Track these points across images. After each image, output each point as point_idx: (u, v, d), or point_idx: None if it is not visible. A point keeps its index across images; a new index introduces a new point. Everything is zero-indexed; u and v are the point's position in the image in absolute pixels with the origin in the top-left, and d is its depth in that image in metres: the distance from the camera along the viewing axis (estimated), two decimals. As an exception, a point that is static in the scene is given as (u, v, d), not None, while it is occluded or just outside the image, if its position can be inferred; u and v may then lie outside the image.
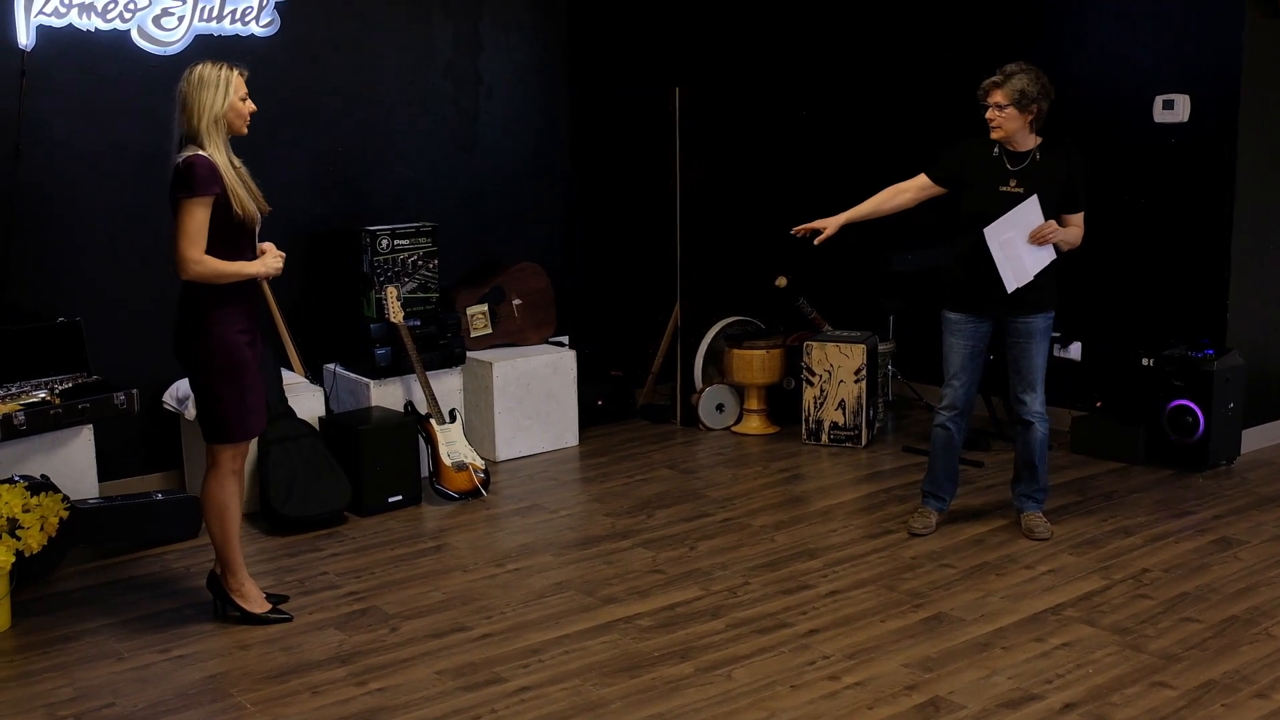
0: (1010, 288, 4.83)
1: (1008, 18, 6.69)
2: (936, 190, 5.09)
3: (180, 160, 4.02)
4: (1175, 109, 6.04)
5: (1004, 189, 4.84)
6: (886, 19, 7.28)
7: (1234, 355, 5.96)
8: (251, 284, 4.31)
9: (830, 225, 5.14)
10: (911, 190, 5.11)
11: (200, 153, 4.02)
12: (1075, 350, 6.60)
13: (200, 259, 4.00)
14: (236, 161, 4.18)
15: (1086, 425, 6.34)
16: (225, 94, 4.08)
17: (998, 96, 4.77)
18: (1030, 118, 4.80)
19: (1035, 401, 5.01)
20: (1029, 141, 4.88)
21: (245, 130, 4.22)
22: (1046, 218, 4.80)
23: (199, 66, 4.11)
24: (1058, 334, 6.58)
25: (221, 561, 4.34)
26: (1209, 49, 5.91)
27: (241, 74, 4.19)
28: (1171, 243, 6.15)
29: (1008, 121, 4.80)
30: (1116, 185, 6.27)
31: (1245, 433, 6.15)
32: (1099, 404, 6.46)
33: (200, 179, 3.97)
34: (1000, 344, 5.07)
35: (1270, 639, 4.08)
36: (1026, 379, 4.99)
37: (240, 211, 4.08)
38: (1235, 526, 5.17)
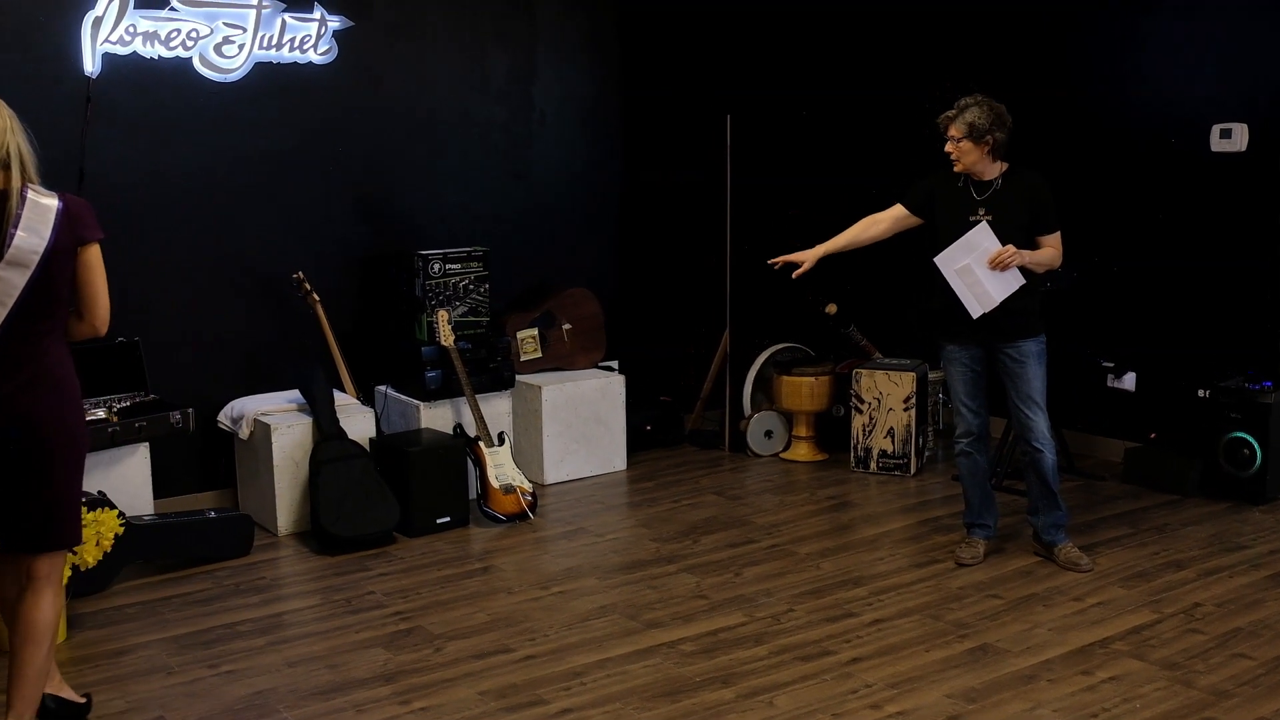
0: (975, 314, 4.83)
1: (1065, 48, 6.67)
2: (913, 220, 5.11)
3: (71, 195, 3.56)
4: (1233, 138, 5.99)
5: (972, 218, 4.86)
6: (947, 49, 7.28)
7: (1292, 388, 5.90)
8: None
9: (808, 258, 5.19)
10: (887, 220, 5.15)
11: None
12: (1130, 381, 6.56)
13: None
14: None
15: (1140, 457, 6.27)
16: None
17: (952, 130, 4.83)
18: (987, 148, 4.82)
19: (1040, 423, 4.96)
20: (992, 170, 4.89)
21: None
22: (1018, 242, 4.79)
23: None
24: (1111, 364, 6.58)
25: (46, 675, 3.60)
26: (1266, 78, 5.87)
27: None
28: (1228, 273, 6.10)
29: (965, 154, 4.84)
30: (1172, 214, 6.25)
31: (1304, 466, 6.07)
32: (1153, 435, 6.40)
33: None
34: (997, 373, 5.04)
35: (1323, 676, 4.03)
36: (1027, 402, 4.94)
37: None
38: (1291, 561, 5.13)
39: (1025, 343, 4.92)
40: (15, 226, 3.25)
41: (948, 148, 4.87)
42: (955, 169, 4.90)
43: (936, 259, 4.87)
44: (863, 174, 7.33)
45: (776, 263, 5.28)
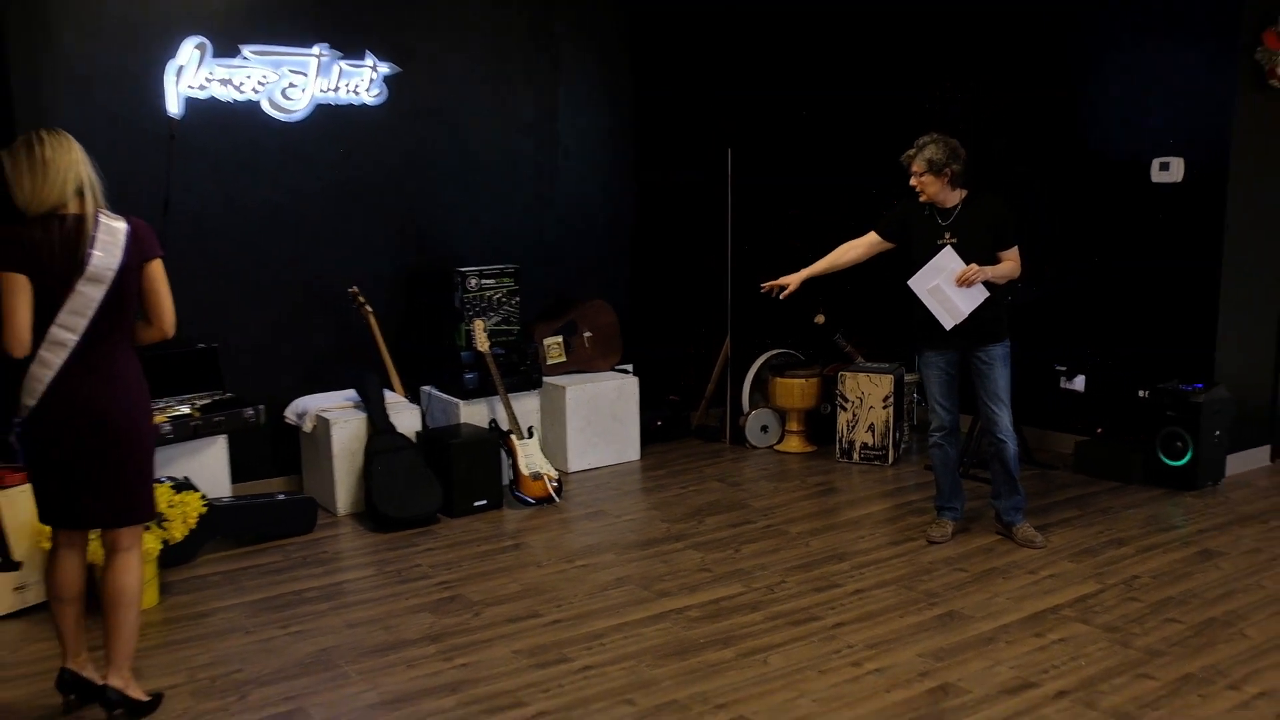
0: (948, 326, 4.90)
1: (1043, 91, 6.69)
2: (885, 246, 5.15)
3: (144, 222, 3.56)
4: (1171, 170, 6.03)
5: (939, 241, 4.92)
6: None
7: (1220, 389, 5.94)
8: None
9: (793, 281, 5.23)
10: (862, 246, 5.18)
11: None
12: (1080, 383, 6.59)
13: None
14: None
15: (1088, 449, 6.33)
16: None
17: (915, 166, 4.88)
18: (946, 179, 4.88)
19: (1004, 418, 5.02)
20: (953, 198, 4.94)
21: None
22: (982, 259, 4.85)
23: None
24: (1063, 368, 6.62)
25: (130, 653, 3.56)
26: (1203, 117, 5.90)
27: None
28: (1167, 289, 6.14)
29: (927, 186, 4.89)
30: (1119, 237, 6.30)
31: (1229, 457, 6.10)
32: (1100, 431, 6.44)
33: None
34: (968, 373, 5.10)
35: (1244, 639, 4.08)
36: (994, 400, 5.00)
37: None
38: (1217, 540, 5.15)
39: (993, 347, 4.98)
40: (92, 247, 3.31)
41: (912, 181, 4.92)
42: (921, 199, 4.96)
43: (910, 282, 4.93)
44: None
45: (766, 287, 5.32)
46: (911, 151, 4.90)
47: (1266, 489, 5.98)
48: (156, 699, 3.65)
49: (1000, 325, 5.01)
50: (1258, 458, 6.41)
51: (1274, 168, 6.10)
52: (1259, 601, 4.44)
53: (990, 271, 4.87)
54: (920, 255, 4.97)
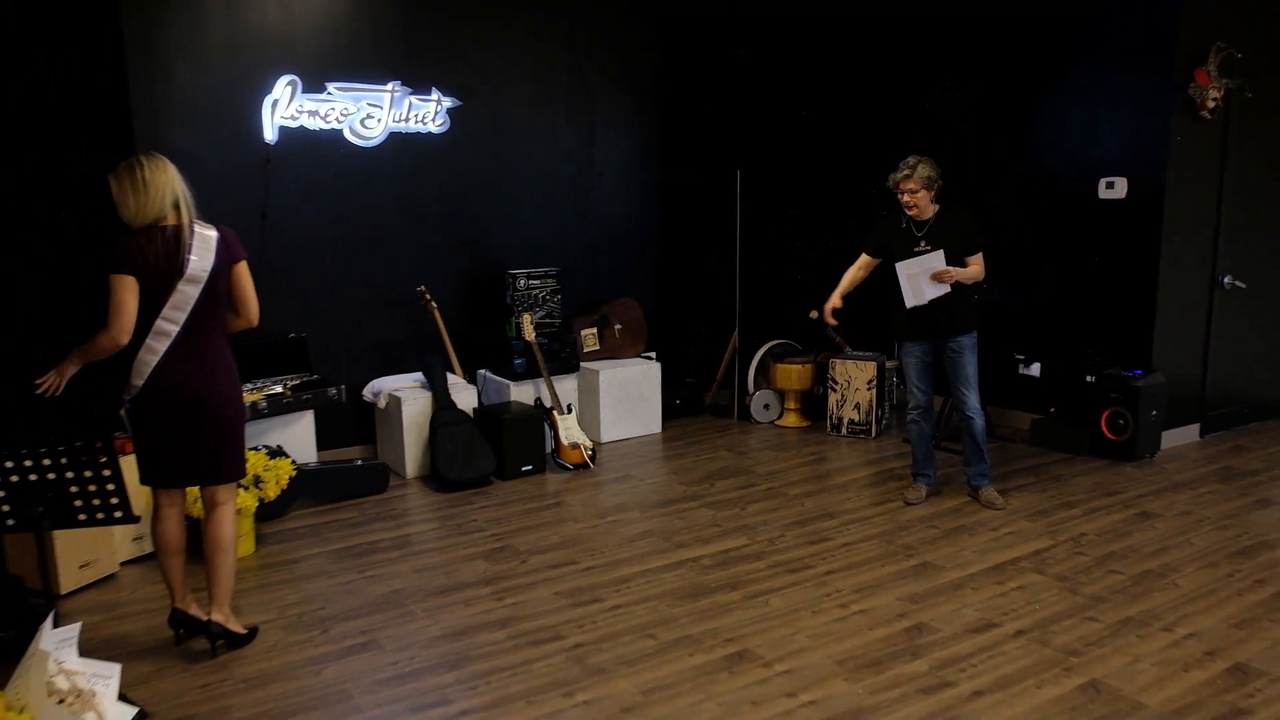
0: (909, 304, 4.90)
1: (1000, 121, 6.68)
2: (876, 260, 5.13)
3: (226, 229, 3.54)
4: (1115, 188, 5.98)
5: (916, 249, 4.88)
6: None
7: (1157, 375, 5.89)
8: None
9: (834, 303, 5.20)
10: (863, 268, 5.17)
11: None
12: (1036, 369, 6.54)
13: None
14: None
15: (1043, 426, 6.29)
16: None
17: (910, 185, 4.82)
18: (932, 194, 4.86)
19: (973, 398, 4.99)
20: (929, 211, 4.91)
21: None
22: (951, 263, 4.83)
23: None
24: (1022, 356, 6.59)
25: (228, 594, 3.62)
26: (1144, 143, 5.85)
27: None
28: (1111, 289, 6.09)
29: (920, 200, 4.85)
30: (1071, 245, 6.25)
31: (1164, 433, 6.04)
32: (1052, 410, 6.40)
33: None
34: (940, 361, 5.06)
35: (1175, 588, 4.06)
36: (964, 382, 4.98)
37: None
38: (1153, 504, 5.12)
39: (963, 338, 4.95)
40: (189, 253, 3.36)
41: (905, 199, 4.87)
42: (911, 214, 4.91)
43: (898, 264, 4.90)
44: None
45: (817, 316, 5.46)
46: (905, 172, 4.83)
47: (1196, 460, 5.92)
48: (253, 632, 3.70)
49: (969, 319, 4.98)
50: (1189, 434, 6.35)
51: (1204, 186, 6.03)
52: (1189, 556, 4.41)
53: (959, 273, 4.84)
54: (899, 259, 4.95)
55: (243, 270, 3.54)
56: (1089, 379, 6.09)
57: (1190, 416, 6.34)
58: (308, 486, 5.18)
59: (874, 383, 6.53)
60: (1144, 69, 5.80)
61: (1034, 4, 6.32)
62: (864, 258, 5.17)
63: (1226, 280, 6.24)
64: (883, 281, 5.11)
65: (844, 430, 6.64)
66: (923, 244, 4.90)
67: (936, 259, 4.84)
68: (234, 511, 3.65)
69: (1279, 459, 5.92)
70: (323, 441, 5.74)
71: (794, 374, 6.80)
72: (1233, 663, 3.43)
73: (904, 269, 4.90)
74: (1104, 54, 5.99)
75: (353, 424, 5.99)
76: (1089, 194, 6.12)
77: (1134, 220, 5.94)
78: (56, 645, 2.68)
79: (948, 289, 4.88)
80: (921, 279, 4.87)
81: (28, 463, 2.96)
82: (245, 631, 3.67)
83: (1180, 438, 6.29)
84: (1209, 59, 5.74)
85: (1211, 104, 5.77)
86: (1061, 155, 6.26)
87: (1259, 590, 4.03)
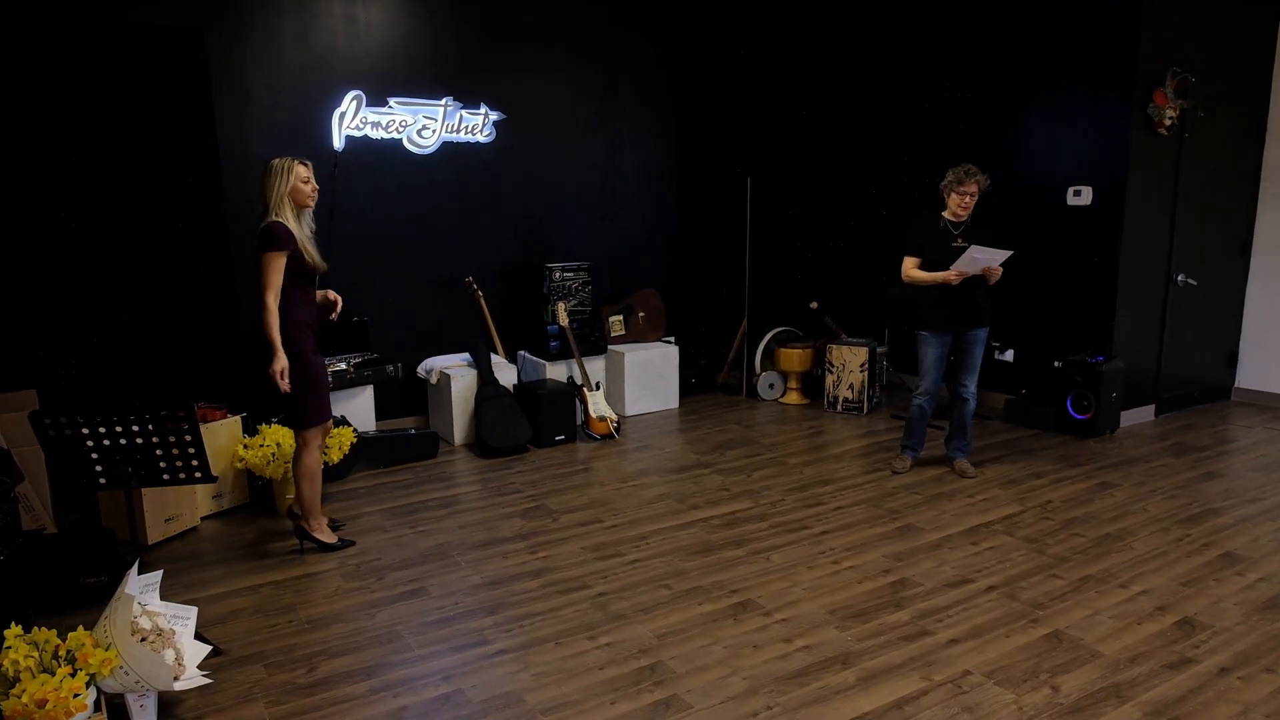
0: (954, 268, 4.59)
1: (980, 135, 6.54)
2: (919, 258, 4.77)
3: (262, 225, 3.64)
4: (1082, 196, 5.86)
5: (954, 245, 4.71)
6: (880, 137, 7.14)
7: (1117, 361, 5.75)
8: (317, 313, 3.83)
9: (949, 277, 4.68)
10: (918, 270, 4.73)
11: (276, 219, 3.63)
12: (1010, 355, 6.44)
13: (275, 298, 3.60)
14: (312, 225, 3.78)
15: (1015, 405, 6.18)
16: (287, 179, 3.66)
17: (971, 188, 4.64)
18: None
19: (973, 383, 4.88)
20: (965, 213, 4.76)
21: (311, 204, 3.74)
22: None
23: (271, 160, 3.71)
24: (998, 344, 6.48)
25: (306, 510, 3.92)
26: (1108, 156, 5.71)
27: (304, 163, 3.72)
28: (1077, 285, 5.96)
29: (973, 204, 4.68)
30: (1043, 247, 6.12)
31: (1123, 413, 5.93)
32: (1024, 391, 6.29)
33: (280, 238, 3.59)
34: (955, 348, 4.93)
35: (1131, 550, 3.97)
36: (972, 370, 4.86)
37: (309, 261, 3.68)
38: (1112, 475, 5.02)
39: (981, 330, 4.79)
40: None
41: (965, 200, 4.63)
42: (963, 214, 4.68)
43: (972, 246, 4.53)
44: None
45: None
46: (979, 177, 4.62)
47: (1151, 437, 5.78)
48: (341, 544, 4.01)
49: (989, 314, 4.81)
50: (1145, 414, 6.21)
51: (1160, 195, 5.88)
52: (1143, 521, 4.31)
53: (998, 274, 4.68)
54: (936, 256, 4.69)
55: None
56: (1057, 364, 5.96)
57: (1146, 398, 6.20)
58: (367, 452, 5.16)
59: (866, 365, 6.42)
60: (1108, 90, 5.66)
61: (1009, 32, 6.16)
62: (913, 259, 4.77)
63: (1179, 278, 6.10)
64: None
65: (839, 407, 6.55)
66: (959, 240, 4.70)
67: (999, 254, 4.55)
68: (302, 452, 3.85)
69: (1224, 436, 5.78)
70: (381, 412, 5.72)
71: (795, 357, 6.71)
72: (1181, 616, 3.35)
73: (973, 252, 4.54)
74: (1072, 76, 5.84)
75: (407, 397, 5.96)
76: (1059, 201, 5.97)
77: (1098, 225, 5.80)
78: (141, 590, 2.64)
79: (994, 274, 4.65)
80: (979, 265, 4.59)
81: (119, 429, 2.92)
82: (332, 541, 3.96)
83: (1137, 417, 6.15)
84: (1166, 82, 5.60)
85: (1168, 122, 5.63)
86: (1032, 167, 6.12)
87: (1205, 553, 3.93)
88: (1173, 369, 6.29)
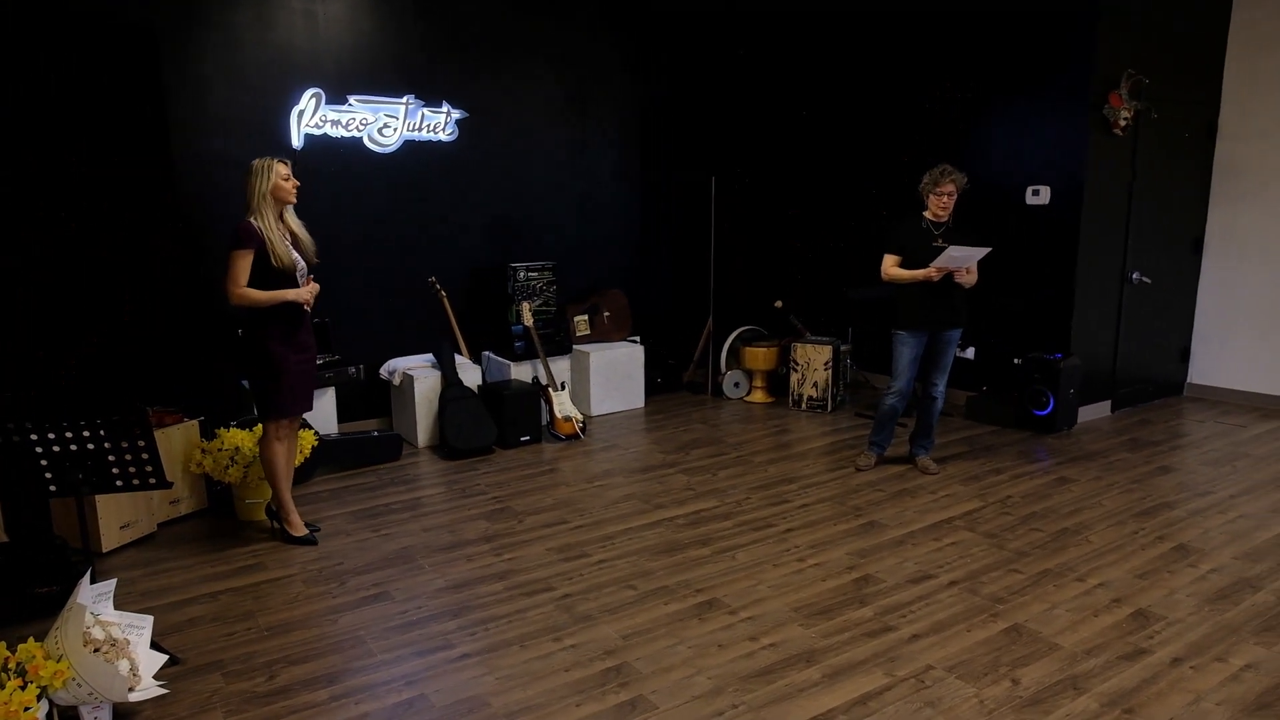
0: (934, 265, 4.59)
1: (942, 136, 6.60)
2: (899, 257, 4.79)
3: (236, 224, 3.70)
4: (1040, 196, 5.93)
5: (934, 245, 4.72)
6: (852, 140, 7.19)
7: (1074, 359, 5.84)
8: (292, 309, 3.81)
9: (929, 273, 4.68)
10: (897, 268, 4.74)
11: (249, 220, 3.69)
12: (971, 352, 6.50)
13: (238, 291, 3.66)
14: (294, 224, 3.83)
15: (976, 402, 6.25)
16: (268, 178, 3.71)
17: (949, 187, 4.64)
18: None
19: (943, 383, 4.92)
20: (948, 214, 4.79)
21: (293, 200, 3.80)
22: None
23: (253, 160, 3.76)
24: (961, 343, 6.55)
25: (276, 500, 4.05)
26: (1064, 156, 5.80)
27: (284, 161, 3.77)
28: (1036, 284, 6.04)
29: (952, 204, 4.68)
30: (1002, 245, 6.20)
31: (1080, 409, 6.03)
32: (985, 388, 6.37)
33: (241, 236, 3.65)
34: (928, 347, 4.90)
35: (1088, 544, 4.03)
36: (944, 369, 4.88)
37: (276, 261, 3.69)
38: (1069, 470, 5.09)
39: (956, 331, 4.81)
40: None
41: (944, 200, 4.64)
42: (943, 215, 4.69)
43: (951, 247, 4.53)
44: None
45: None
46: (955, 176, 4.62)
47: (1107, 432, 5.88)
48: (304, 538, 4.04)
49: (965, 316, 4.82)
50: (1101, 409, 6.31)
51: (1116, 194, 5.98)
52: (1100, 516, 4.38)
53: (974, 279, 4.72)
54: (916, 255, 4.70)
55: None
56: (1016, 361, 6.04)
57: (1103, 394, 6.30)
58: (329, 455, 5.09)
59: (830, 364, 6.46)
60: (1063, 92, 5.74)
61: (973, 35, 6.24)
62: (893, 257, 4.78)
63: (1135, 276, 6.20)
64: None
65: (804, 405, 6.58)
66: (940, 241, 4.71)
67: (978, 252, 4.56)
68: (262, 444, 3.96)
69: (1178, 431, 5.89)
70: (343, 414, 5.67)
71: (760, 356, 6.74)
72: (1136, 608, 3.40)
73: (953, 250, 4.54)
74: (1030, 79, 5.92)
75: (370, 399, 5.91)
76: (1017, 200, 6.05)
77: (1056, 223, 5.88)
78: (94, 599, 2.58)
79: (969, 279, 4.69)
80: (958, 261, 4.60)
81: (68, 434, 2.85)
82: (295, 534, 4.01)
83: (1094, 413, 6.25)
84: (1121, 84, 5.70)
85: (1123, 123, 5.72)
86: (992, 167, 6.20)
87: (1159, 545, 4.00)
88: (1128, 365, 6.40)
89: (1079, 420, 6.05)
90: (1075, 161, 5.73)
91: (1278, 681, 2.92)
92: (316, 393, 5.27)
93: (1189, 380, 6.83)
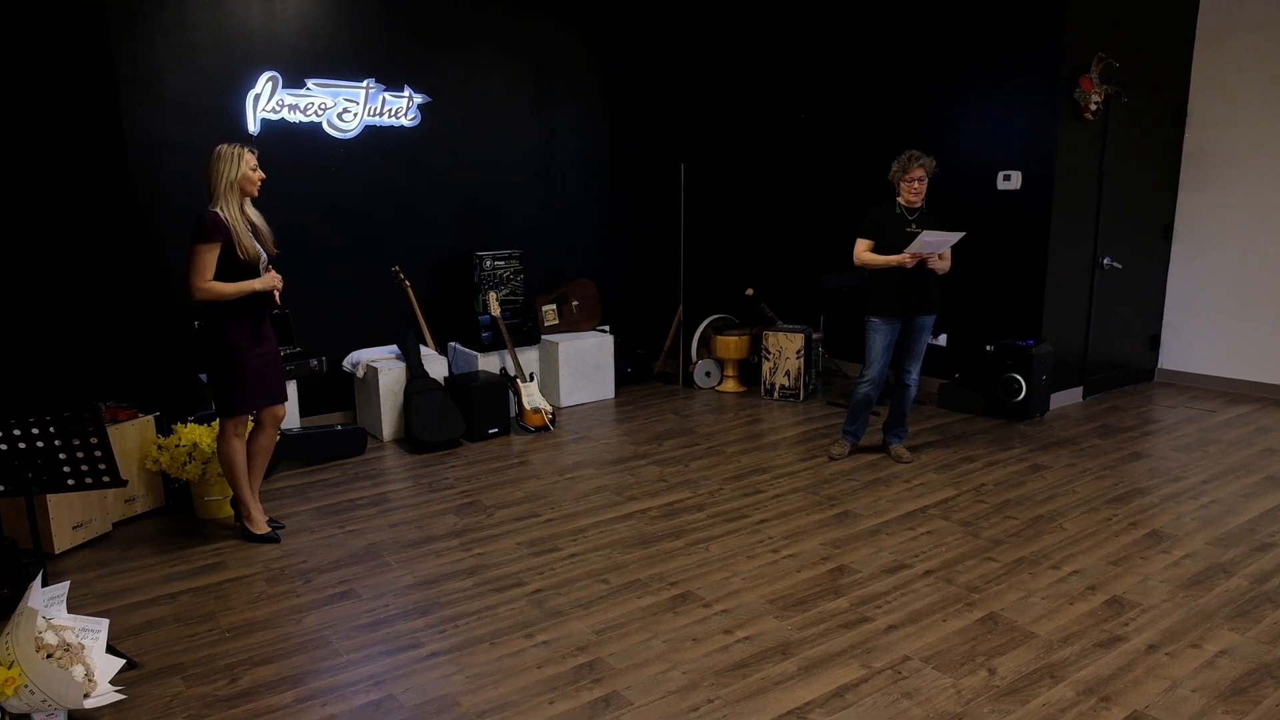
0: (908, 260, 4.59)
1: (913, 122, 6.62)
2: (872, 241, 4.79)
3: (198, 214, 3.60)
4: (1011, 181, 5.98)
5: (908, 230, 4.71)
6: (820, 125, 7.21)
7: (1046, 345, 5.90)
8: (255, 301, 3.75)
9: (903, 259, 4.67)
10: (870, 254, 4.74)
11: (212, 209, 3.58)
12: (943, 340, 6.56)
13: (204, 286, 3.58)
14: (253, 215, 3.72)
15: (949, 390, 6.29)
16: (237, 166, 3.61)
17: (919, 173, 4.63)
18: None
19: (916, 370, 4.94)
20: (920, 199, 4.78)
21: (256, 192, 3.69)
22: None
23: (219, 145, 3.63)
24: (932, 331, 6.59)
25: (236, 498, 4.01)
26: (1035, 140, 5.84)
27: (252, 150, 3.68)
28: (1007, 270, 6.09)
29: (923, 189, 4.68)
30: (973, 231, 6.24)
31: (1052, 396, 6.10)
32: (957, 376, 6.42)
33: (207, 229, 3.54)
34: (902, 334, 4.91)
35: (1062, 531, 4.07)
36: (917, 356, 4.89)
37: (242, 253, 3.62)
38: (1042, 457, 5.14)
39: (929, 317, 4.81)
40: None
41: (914, 186, 4.63)
42: (915, 201, 4.68)
43: (924, 231, 4.52)
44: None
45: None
46: (923, 162, 4.61)
47: (1079, 419, 5.95)
48: (265, 537, 4.01)
49: (937, 302, 4.82)
50: (1073, 396, 6.39)
51: (1086, 179, 6.04)
52: (1074, 503, 4.42)
53: (947, 265, 4.73)
54: (890, 241, 4.69)
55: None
56: (988, 348, 6.09)
57: (1074, 380, 6.38)
58: (292, 450, 5.02)
59: (802, 352, 6.48)
60: (1035, 76, 5.78)
61: (939, 18, 6.26)
62: (866, 243, 4.77)
63: (1105, 261, 6.27)
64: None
65: (776, 395, 6.59)
66: (914, 226, 4.69)
67: (951, 237, 4.55)
68: (220, 441, 3.92)
69: (1149, 417, 5.97)
70: (305, 408, 5.58)
71: (732, 345, 6.74)
72: (1110, 595, 3.44)
73: (925, 236, 4.53)
74: (1000, 63, 5.95)
75: (333, 392, 5.83)
76: (988, 185, 6.09)
77: (1027, 208, 5.93)
78: (46, 603, 2.51)
79: (943, 265, 4.69)
80: (930, 248, 4.60)
81: (16, 432, 2.77)
82: (256, 531, 3.98)
83: (1066, 399, 6.32)
84: (1092, 67, 5.74)
85: (1094, 107, 5.77)
86: (963, 152, 6.23)
87: (1132, 532, 4.05)
88: (1099, 351, 6.48)
89: (1051, 407, 6.12)
90: (1046, 146, 5.78)
91: (1253, 667, 2.96)
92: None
93: (1159, 366, 6.94)
